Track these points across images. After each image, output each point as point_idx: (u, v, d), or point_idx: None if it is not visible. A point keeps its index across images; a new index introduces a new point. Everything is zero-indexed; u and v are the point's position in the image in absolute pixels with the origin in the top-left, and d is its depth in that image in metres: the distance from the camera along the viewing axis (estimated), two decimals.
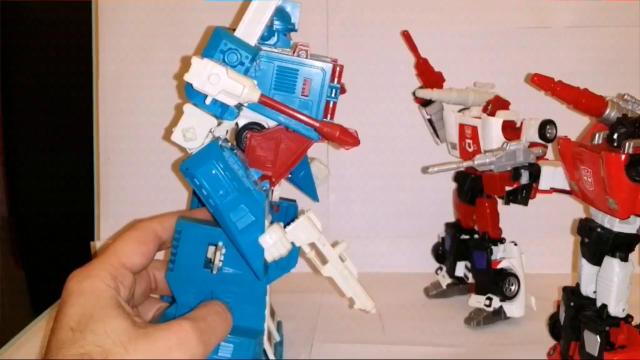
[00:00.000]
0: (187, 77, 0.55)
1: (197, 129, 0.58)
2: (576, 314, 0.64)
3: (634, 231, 0.60)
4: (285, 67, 0.59)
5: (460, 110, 0.88)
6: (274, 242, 0.56)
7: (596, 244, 0.62)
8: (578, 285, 0.66)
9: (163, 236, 0.60)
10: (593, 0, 1.01)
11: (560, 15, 1.02)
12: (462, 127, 0.86)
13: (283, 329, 0.77)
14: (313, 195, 0.76)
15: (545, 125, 0.76)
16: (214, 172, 0.55)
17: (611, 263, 0.61)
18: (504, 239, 0.84)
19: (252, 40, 0.58)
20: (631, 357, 0.60)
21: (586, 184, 0.61)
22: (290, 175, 0.73)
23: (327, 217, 1.06)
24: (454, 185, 0.93)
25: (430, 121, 0.93)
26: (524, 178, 0.73)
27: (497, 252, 0.83)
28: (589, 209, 0.64)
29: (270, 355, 0.64)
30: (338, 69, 0.59)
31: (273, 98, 0.58)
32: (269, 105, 0.57)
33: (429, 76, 0.91)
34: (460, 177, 0.90)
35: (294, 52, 0.60)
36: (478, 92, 0.86)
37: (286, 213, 0.73)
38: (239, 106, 0.59)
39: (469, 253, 0.87)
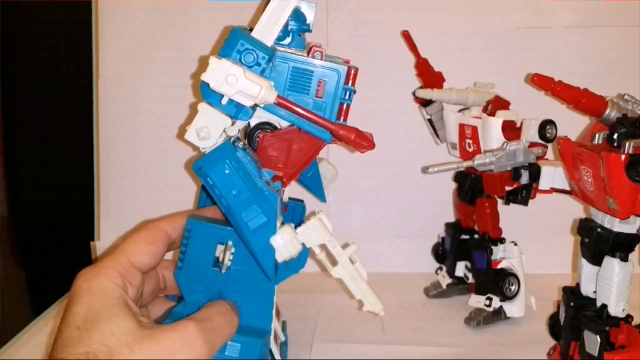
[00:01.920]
0: (205, 77, 0.55)
1: (211, 129, 0.58)
2: (576, 314, 0.64)
3: (634, 231, 0.60)
4: (300, 68, 0.59)
5: (460, 110, 0.88)
6: (285, 243, 0.56)
7: (596, 244, 0.62)
8: (578, 285, 0.66)
9: (172, 235, 0.60)
10: (593, 0, 1.01)
11: (560, 15, 1.02)
12: (462, 127, 0.86)
13: None
14: (320, 196, 0.76)
15: (545, 125, 0.76)
16: (227, 171, 0.55)
17: (611, 263, 0.61)
18: (504, 239, 0.84)
19: (269, 41, 0.58)
20: (631, 357, 0.60)
21: (586, 184, 0.60)
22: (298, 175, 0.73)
23: (327, 217, 1.05)
24: (454, 185, 0.93)
25: (430, 121, 0.93)
26: (524, 178, 0.73)
27: (497, 252, 0.83)
28: (589, 209, 0.64)
29: (277, 355, 0.64)
30: (353, 71, 0.59)
31: (287, 99, 0.58)
32: (285, 107, 0.57)
33: (429, 76, 0.91)
34: (460, 177, 0.90)
35: (308, 53, 0.60)
36: (478, 92, 0.86)
37: (293, 213, 0.73)
38: (254, 106, 0.58)
39: (469, 253, 0.87)
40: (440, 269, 0.94)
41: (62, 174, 1.19)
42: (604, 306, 0.61)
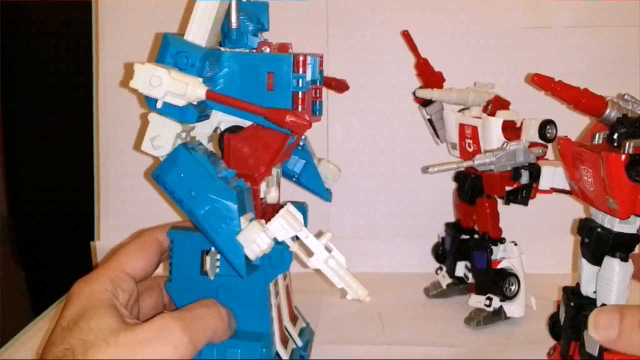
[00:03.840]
0: (132, 84, 0.55)
1: (163, 136, 0.58)
2: (576, 314, 0.64)
3: (634, 231, 0.60)
4: (247, 65, 0.60)
5: (460, 110, 0.88)
6: (253, 239, 0.55)
7: (596, 244, 0.62)
8: (578, 285, 0.66)
9: (165, 243, 0.62)
10: (593, 0, 1.01)
11: (560, 15, 1.02)
12: (462, 127, 0.86)
13: None
14: (324, 195, 0.75)
15: (545, 125, 0.76)
16: (182, 175, 0.56)
17: (611, 263, 0.61)
18: (504, 239, 0.84)
19: (203, 40, 0.58)
20: (631, 358, 0.60)
21: (586, 184, 0.60)
22: (297, 178, 0.73)
23: (327, 217, 1.06)
24: (454, 185, 0.93)
25: (430, 121, 0.93)
26: (524, 178, 0.73)
27: (497, 252, 0.83)
28: (589, 208, 0.64)
29: (284, 355, 0.64)
30: (302, 58, 0.59)
31: (243, 97, 0.58)
32: (215, 99, 0.57)
33: (429, 76, 0.91)
34: (460, 177, 0.90)
35: (257, 50, 0.61)
36: (478, 92, 0.86)
37: None
38: (202, 108, 0.59)
39: (469, 253, 0.87)
40: (440, 269, 0.94)
41: (62, 174, 1.19)
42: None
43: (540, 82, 0.61)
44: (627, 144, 0.54)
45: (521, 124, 0.79)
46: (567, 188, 0.69)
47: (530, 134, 0.77)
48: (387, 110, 1.05)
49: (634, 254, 0.61)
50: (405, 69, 1.00)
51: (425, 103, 0.91)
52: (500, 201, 0.82)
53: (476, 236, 0.89)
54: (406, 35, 0.92)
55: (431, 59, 0.91)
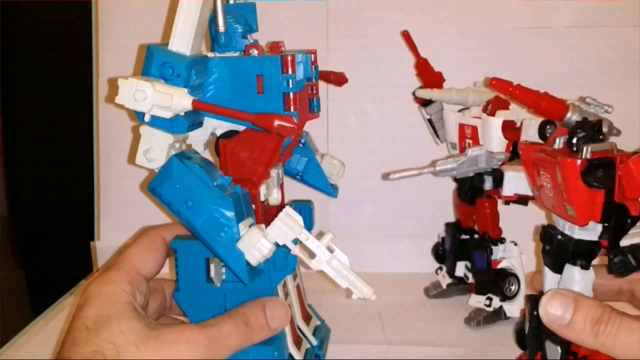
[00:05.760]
0: (118, 100, 0.55)
1: (155, 149, 0.58)
2: (539, 323, 0.61)
3: (595, 238, 0.57)
4: (236, 69, 0.59)
5: (460, 110, 0.88)
6: (253, 245, 0.55)
7: (557, 251, 0.58)
8: (542, 293, 0.64)
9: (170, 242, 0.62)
10: (593, 0, 1.01)
11: (560, 15, 1.02)
12: (462, 127, 0.86)
13: None
14: (328, 191, 0.75)
15: (545, 125, 0.76)
16: (177, 186, 0.56)
17: (572, 271, 0.57)
18: (504, 239, 0.84)
19: (189, 40, 0.57)
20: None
21: (546, 190, 0.58)
22: (300, 176, 0.73)
23: (327, 217, 1.06)
24: (454, 185, 0.93)
25: (430, 121, 0.93)
26: (487, 184, 0.73)
27: (497, 252, 0.83)
28: (551, 215, 0.62)
29: (297, 356, 0.64)
30: (289, 58, 0.58)
31: (234, 102, 0.58)
32: (202, 109, 0.57)
33: (429, 76, 0.91)
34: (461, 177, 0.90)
35: (245, 53, 0.60)
36: (478, 92, 0.86)
37: (300, 215, 0.73)
38: (192, 117, 0.58)
39: (469, 253, 0.87)
40: (440, 269, 0.94)
41: (62, 174, 1.20)
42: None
43: (499, 86, 0.60)
44: (585, 148, 0.52)
45: (521, 124, 0.79)
46: (531, 194, 0.66)
47: (530, 134, 0.77)
48: (387, 110, 1.05)
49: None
50: (405, 69, 1.00)
51: (425, 103, 0.91)
52: (500, 201, 0.82)
53: (476, 236, 0.89)
54: (406, 36, 0.92)
55: (431, 59, 0.91)
